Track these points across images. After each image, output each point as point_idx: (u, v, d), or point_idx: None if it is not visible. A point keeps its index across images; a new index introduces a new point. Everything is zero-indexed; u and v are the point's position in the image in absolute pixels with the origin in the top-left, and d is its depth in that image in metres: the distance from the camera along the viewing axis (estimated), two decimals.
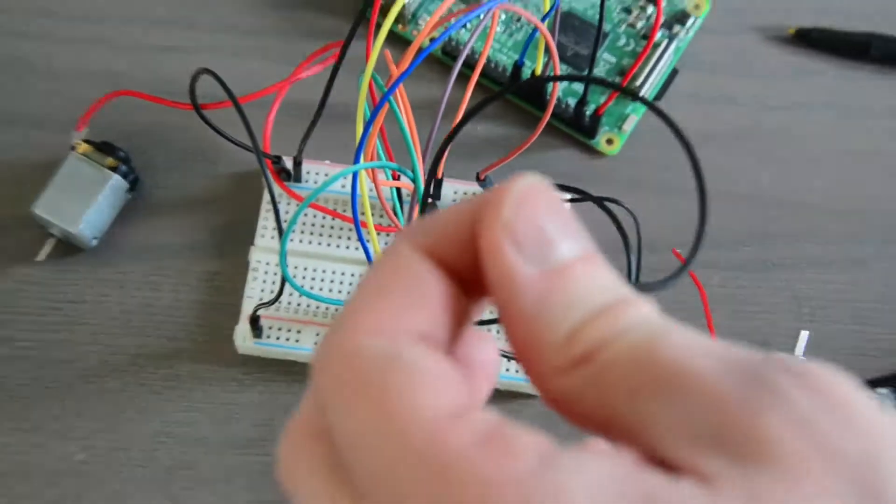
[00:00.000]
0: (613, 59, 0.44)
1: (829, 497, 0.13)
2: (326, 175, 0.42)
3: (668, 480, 0.13)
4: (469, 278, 0.16)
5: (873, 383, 0.41)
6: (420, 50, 0.33)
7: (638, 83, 0.43)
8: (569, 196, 0.40)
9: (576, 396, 0.15)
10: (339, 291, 0.41)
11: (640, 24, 0.45)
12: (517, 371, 0.40)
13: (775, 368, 0.14)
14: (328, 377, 0.15)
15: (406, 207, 0.40)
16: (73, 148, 0.42)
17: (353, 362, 0.15)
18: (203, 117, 0.39)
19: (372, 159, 0.37)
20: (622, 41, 0.45)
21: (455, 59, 0.39)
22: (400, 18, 0.45)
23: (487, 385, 0.18)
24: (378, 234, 0.39)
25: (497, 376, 0.18)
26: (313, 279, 0.41)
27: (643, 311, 0.15)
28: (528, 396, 0.40)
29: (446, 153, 0.41)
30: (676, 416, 0.14)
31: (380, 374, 0.14)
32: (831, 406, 0.14)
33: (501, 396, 0.40)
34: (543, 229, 0.15)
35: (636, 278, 0.40)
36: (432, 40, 0.34)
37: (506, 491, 0.13)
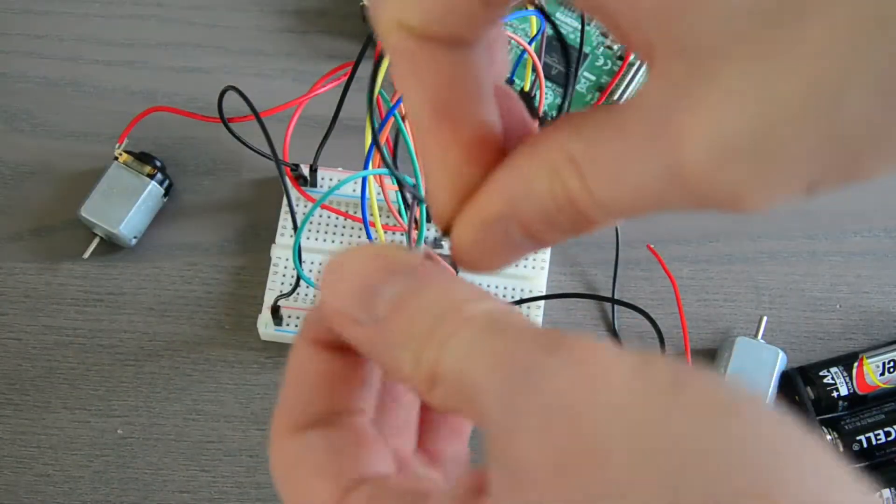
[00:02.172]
0: (593, 77, 0.48)
1: None
2: (339, 180, 0.44)
3: None
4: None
5: (825, 364, 0.43)
6: None
7: (615, 98, 0.47)
8: None
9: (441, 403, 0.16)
10: None
11: (616, 47, 0.48)
12: None
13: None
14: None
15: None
16: (115, 158, 0.44)
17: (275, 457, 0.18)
18: (230, 130, 0.42)
19: (379, 167, 0.39)
20: (601, 61, 0.48)
21: None
22: None
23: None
24: (385, 232, 0.42)
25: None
26: None
27: (459, 327, 0.16)
28: None
29: None
30: None
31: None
32: None
33: None
34: (357, 294, 0.17)
35: (615, 268, 0.44)
36: None
37: None
